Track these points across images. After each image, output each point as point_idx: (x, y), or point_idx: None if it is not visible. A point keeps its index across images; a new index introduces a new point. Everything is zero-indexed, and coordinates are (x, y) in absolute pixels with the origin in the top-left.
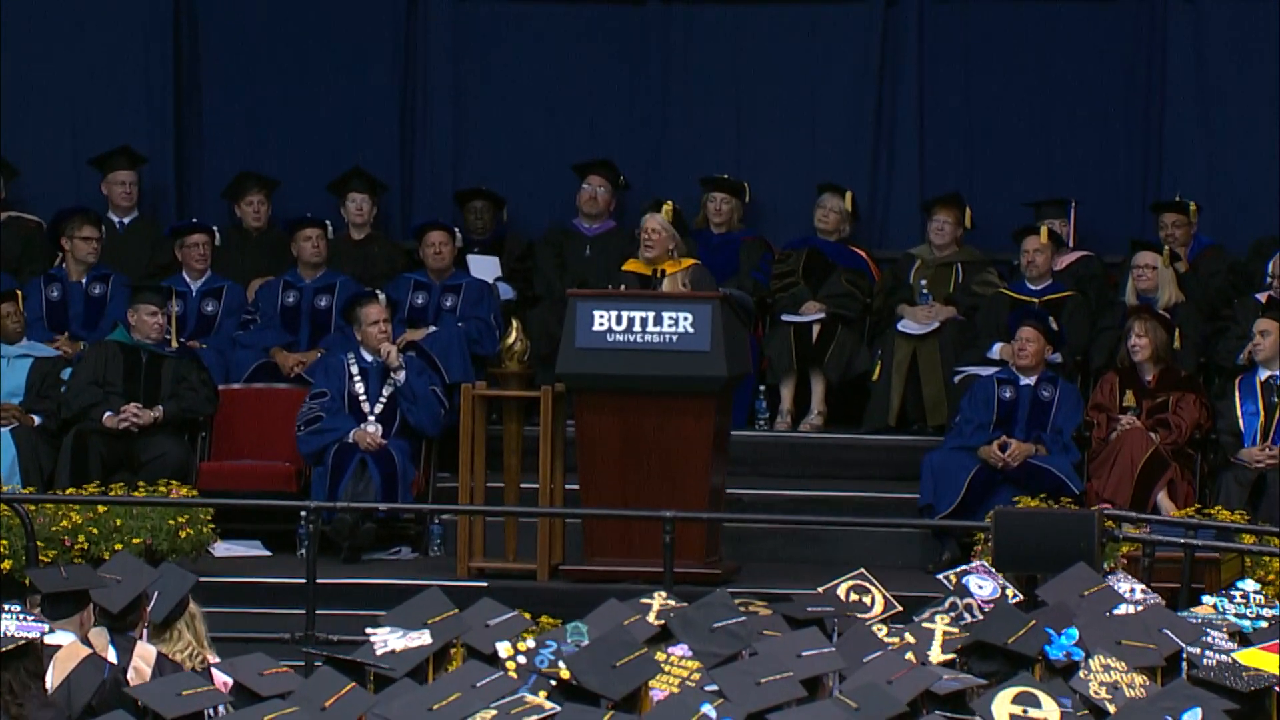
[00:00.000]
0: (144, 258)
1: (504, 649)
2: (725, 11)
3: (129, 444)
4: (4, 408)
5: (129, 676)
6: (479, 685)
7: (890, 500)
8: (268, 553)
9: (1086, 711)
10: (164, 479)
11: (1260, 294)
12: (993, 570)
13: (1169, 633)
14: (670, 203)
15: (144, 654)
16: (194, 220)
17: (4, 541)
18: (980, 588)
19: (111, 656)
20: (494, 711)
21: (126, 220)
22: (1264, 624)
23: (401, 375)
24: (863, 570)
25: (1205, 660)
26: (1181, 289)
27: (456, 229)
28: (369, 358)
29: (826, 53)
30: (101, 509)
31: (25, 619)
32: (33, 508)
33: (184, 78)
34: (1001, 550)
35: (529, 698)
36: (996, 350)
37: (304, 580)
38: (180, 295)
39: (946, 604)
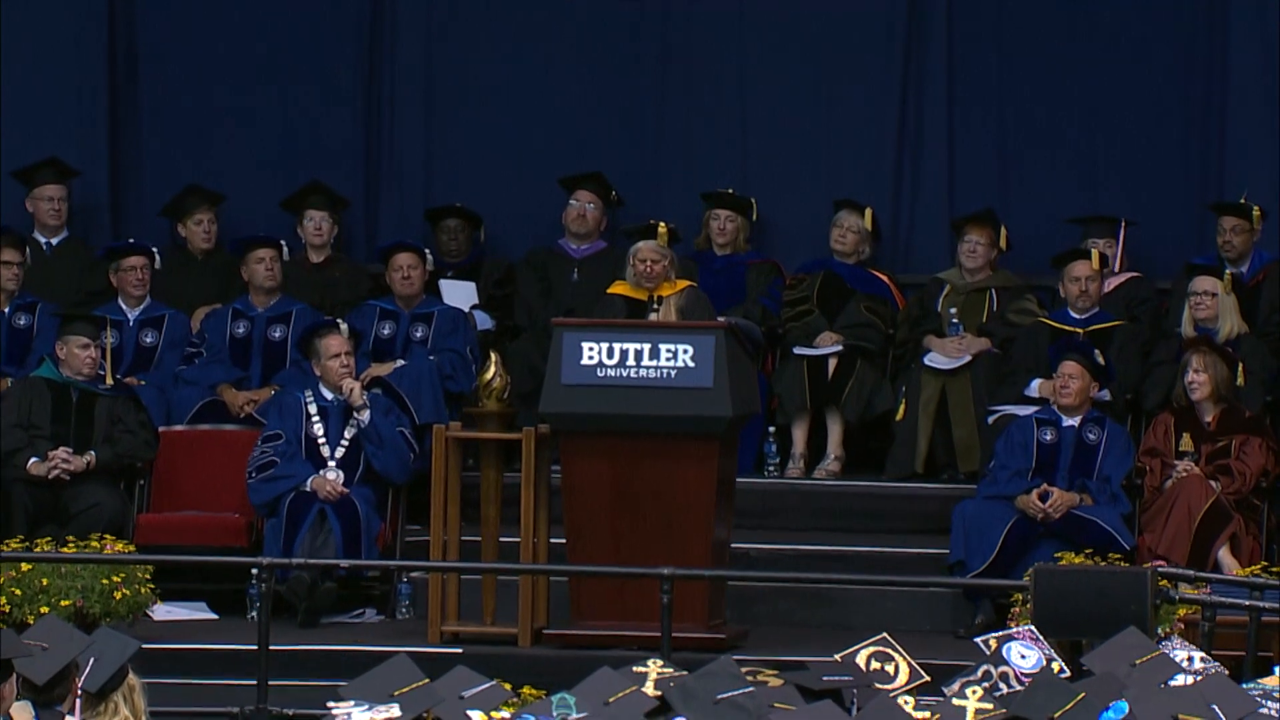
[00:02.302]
0: (75, 283)
1: (478, 716)
2: (729, 6)
3: (57, 494)
4: None
5: None
6: None
7: (916, 556)
8: (214, 616)
9: None
10: (97, 533)
11: None
12: (1040, 638)
13: (1216, 708)
14: (663, 225)
15: None
16: (131, 241)
17: None
18: (1023, 658)
19: None
20: None
21: (55, 241)
22: None
23: (366, 415)
24: (885, 635)
25: None
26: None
27: (428, 251)
28: (329, 395)
29: (843, 52)
30: (26, 567)
31: None
32: None
33: (120, 80)
34: (1042, 613)
35: None
36: (1036, 387)
37: (255, 647)
38: (116, 325)
39: (979, 672)
